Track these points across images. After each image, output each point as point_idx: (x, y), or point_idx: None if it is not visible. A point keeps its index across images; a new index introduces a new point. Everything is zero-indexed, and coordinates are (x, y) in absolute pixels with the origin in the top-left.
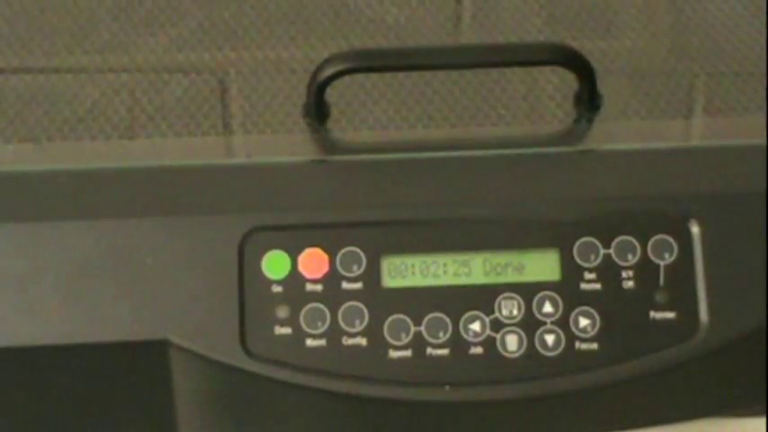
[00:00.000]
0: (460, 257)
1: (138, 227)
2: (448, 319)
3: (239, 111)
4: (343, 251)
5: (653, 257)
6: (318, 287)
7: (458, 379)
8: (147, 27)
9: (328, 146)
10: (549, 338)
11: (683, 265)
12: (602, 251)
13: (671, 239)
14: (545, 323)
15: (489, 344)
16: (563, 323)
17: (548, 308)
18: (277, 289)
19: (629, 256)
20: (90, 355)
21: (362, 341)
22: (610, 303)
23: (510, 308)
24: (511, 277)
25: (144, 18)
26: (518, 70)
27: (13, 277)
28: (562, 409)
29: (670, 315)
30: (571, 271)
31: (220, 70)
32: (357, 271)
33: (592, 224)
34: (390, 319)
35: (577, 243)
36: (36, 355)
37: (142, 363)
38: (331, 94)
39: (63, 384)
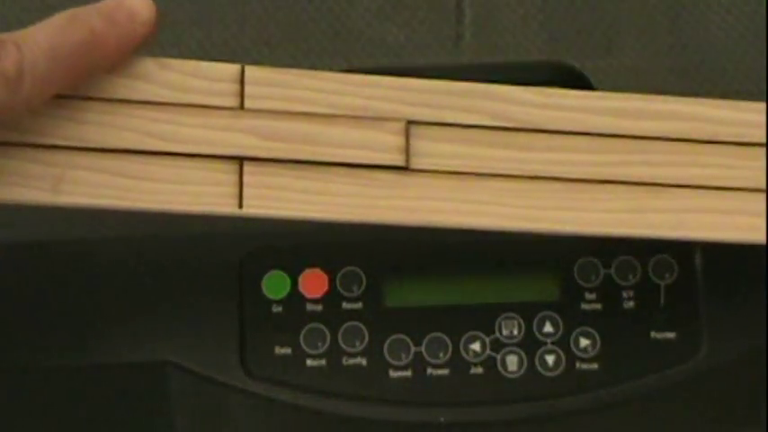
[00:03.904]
0: (461, 277)
1: (138, 247)
2: (448, 340)
3: None
4: (343, 271)
5: (654, 277)
6: (318, 307)
7: (458, 399)
8: (145, 47)
9: None
10: (550, 358)
11: (684, 286)
12: (602, 271)
13: (672, 259)
14: (545, 343)
15: (489, 364)
16: (563, 343)
17: (548, 328)
18: (277, 309)
19: (630, 276)
20: (89, 376)
21: (362, 361)
22: (610, 323)
23: (510, 328)
24: (511, 297)
25: None
26: None
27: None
28: (562, 430)
29: (671, 335)
30: (571, 291)
31: None
32: (357, 291)
33: (592, 244)
34: (390, 339)
35: (578, 263)
36: (35, 375)
37: (142, 383)
38: None
39: (62, 405)
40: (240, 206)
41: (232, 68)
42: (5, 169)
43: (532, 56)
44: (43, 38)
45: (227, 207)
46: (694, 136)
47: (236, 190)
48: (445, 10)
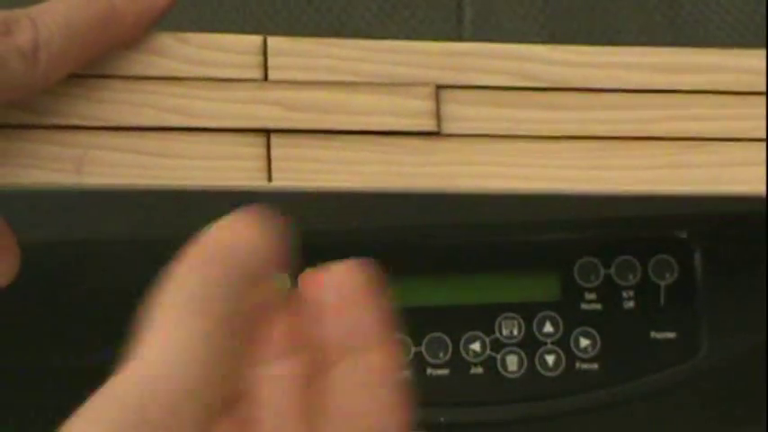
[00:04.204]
0: (461, 277)
1: (140, 247)
2: (448, 339)
3: None
4: None
5: (654, 277)
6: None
7: (458, 399)
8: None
9: None
10: (550, 358)
11: (684, 286)
12: (602, 271)
13: (672, 259)
14: (545, 343)
15: (489, 364)
16: (563, 343)
17: (548, 328)
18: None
19: (630, 276)
20: (89, 376)
21: None
22: (610, 323)
23: (510, 328)
24: (511, 297)
25: None
26: None
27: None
28: (562, 430)
29: (671, 335)
30: (571, 291)
31: None
32: None
33: (592, 244)
34: None
35: (578, 263)
36: (34, 375)
37: None
38: None
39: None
40: (269, 179)
41: (254, 39)
42: (24, 152)
43: None
44: (60, 13)
45: (256, 181)
46: (733, 88)
47: (264, 163)
48: (445, 10)
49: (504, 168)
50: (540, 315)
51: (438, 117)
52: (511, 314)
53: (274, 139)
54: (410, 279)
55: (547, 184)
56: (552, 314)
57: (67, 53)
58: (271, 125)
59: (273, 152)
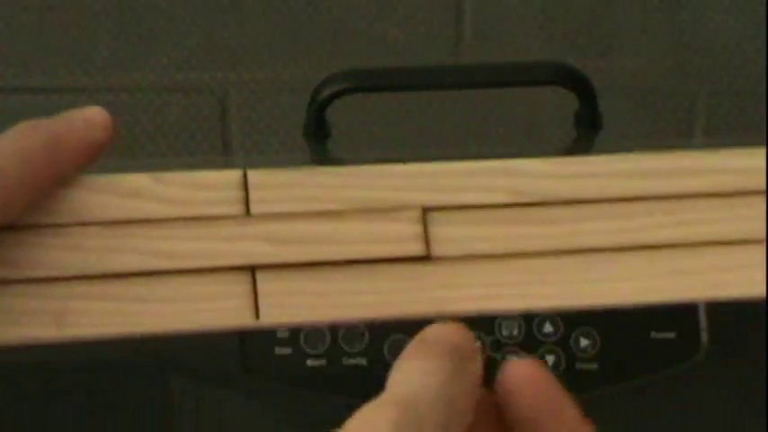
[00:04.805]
0: None
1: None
2: None
3: (239, 130)
4: None
5: None
6: None
7: None
8: (146, 47)
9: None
10: (550, 358)
11: None
12: None
13: None
14: (545, 343)
15: (490, 364)
16: (563, 343)
17: (548, 328)
18: None
19: None
20: (90, 373)
21: (362, 361)
22: (610, 323)
23: (510, 328)
24: None
25: (144, 38)
26: (518, 90)
27: None
28: None
29: (670, 335)
30: None
31: (220, 90)
32: None
33: None
34: (390, 339)
35: None
36: (36, 373)
37: (142, 381)
38: (331, 113)
39: (61, 403)
40: (257, 317)
41: (233, 175)
42: (2, 309)
43: (532, 56)
44: (8, 143)
45: (243, 320)
46: (725, 189)
47: (250, 301)
48: (445, 10)
49: (499, 288)
50: (540, 315)
51: (426, 241)
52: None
53: (260, 274)
54: None
55: (545, 302)
56: (552, 314)
57: (22, 180)
58: (256, 261)
59: (260, 288)
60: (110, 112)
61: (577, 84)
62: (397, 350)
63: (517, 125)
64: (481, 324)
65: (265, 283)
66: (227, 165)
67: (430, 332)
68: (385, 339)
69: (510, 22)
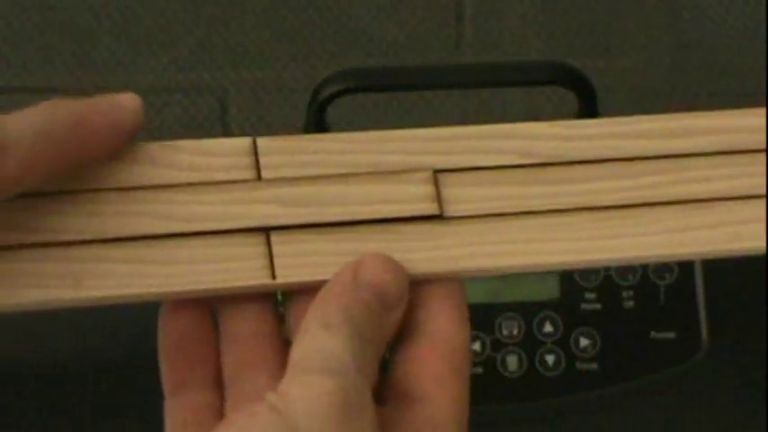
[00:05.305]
0: None
1: None
2: None
3: (239, 130)
4: None
5: (653, 278)
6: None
7: None
8: (147, 47)
9: None
10: (550, 358)
11: (684, 286)
12: (602, 271)
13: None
14: (545, 343)
15: (490, 363)
16: (563, 343)
17: (548, 328)
18: (280, 309)
19: (630, 277)
20: (90, 375)
21: None
22: (610, 323)
23: (510, 328)
24: (511, 297)
25: (144, 38)
26: (518, 89)
27: None
28: (562, 430)
29: (670, 335)
30: (571, 291)
31: (220, 90)
32: None
33: None
34: None
35: None
36: (37, 376)
37: (142, 383)
38: (331, 112)
39: (62, 406)
40: (273, 277)
41: (243, 142)
42: (23, 272)
43: (532, 56)
44: (27, 118)
45: (260, 279)
46: (726, 148)
47: (266, 261)
48: (445, 10)
49: (510, 246)
50: (540, 315)
51: (439, 200)
52: (511, 314)
53: (274, 236)
54: None
55: (555, 258)
56: (552, 314)
57: (40, 155)
58: (270, 223)
59: (275, 249)
60: None
61: (577, 84)
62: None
63: None
64: (481, 324)
65: (280, 244)
66: None
67: (363, 273)
68: None
69: (510, 22)
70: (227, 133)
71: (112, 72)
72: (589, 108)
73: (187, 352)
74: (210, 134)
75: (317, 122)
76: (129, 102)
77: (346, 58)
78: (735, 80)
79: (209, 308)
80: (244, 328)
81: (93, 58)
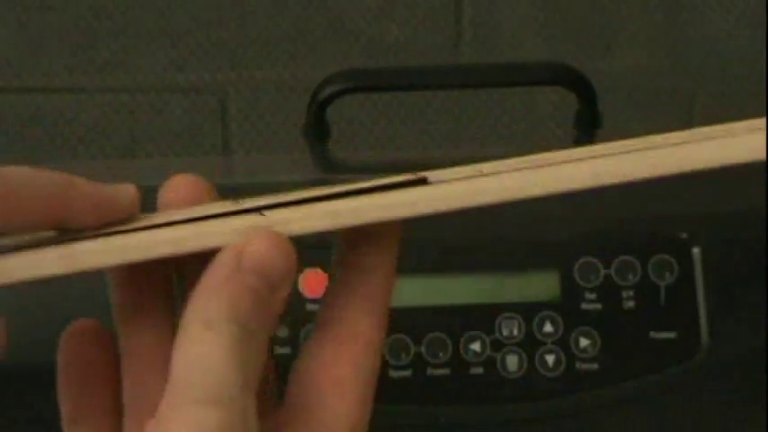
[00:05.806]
0: (461, 277)
1: None
2: (448, 339)
3: (239, 130)
4: None
5: (653, 277)
6: (319, 307)
7: (458, 399)
8: (146, 47)
9: (328, 165)
10: (550, 358)
11: (684, 285)
12: (602, 271)
13: (671, 259)
14: (545, 343)
15: (489, 364)
16: (563, 343)
17: (548, 328)
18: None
19: (630, 276)
20: None
21: None
22: (610, 323)
23: (510, 328)
24: (511, 297)
25: (144, 38)
26: (518, 90)
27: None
28: (563, 430)
29: (671, 335)
30: (571, 291)
31: (220, 90)
32: None
33: (592, 244)
34: (390, 339)
35: (578, 263)
36: (37, 373)
37: None
38: (331, 113)
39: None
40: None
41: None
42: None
43: (532, 56)
44: (24, 169)
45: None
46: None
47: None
48: (445, 10)
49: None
50: (540, 315)
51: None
52: (511, 314)
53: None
54: (410, 279)
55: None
56: (552, 314)
57: (30, 202)
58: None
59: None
60: (110, 112)
61: (577, 84)
62: (397, 350)
63: (517, 125)
64: (481, 324)
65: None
66: (227, 165)
67: (248, 254)
68: (385, 339)
69: (510, 22)
70: (226, 133)
71: (112, 72)
72: (589, 108)
73: (86, 379)
74: (210, 134)
75: (317, 123)
76: (124, 201)
77: (346, 58)
78: (735, 80)
79: (111, 333)
80: (141, 345)
81: (92, 59)
